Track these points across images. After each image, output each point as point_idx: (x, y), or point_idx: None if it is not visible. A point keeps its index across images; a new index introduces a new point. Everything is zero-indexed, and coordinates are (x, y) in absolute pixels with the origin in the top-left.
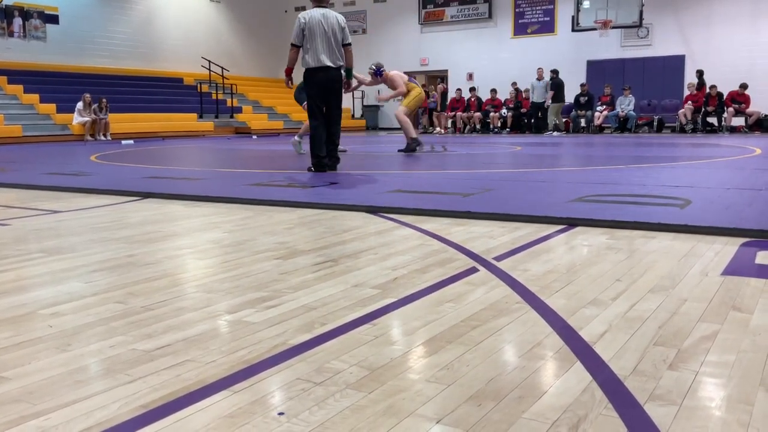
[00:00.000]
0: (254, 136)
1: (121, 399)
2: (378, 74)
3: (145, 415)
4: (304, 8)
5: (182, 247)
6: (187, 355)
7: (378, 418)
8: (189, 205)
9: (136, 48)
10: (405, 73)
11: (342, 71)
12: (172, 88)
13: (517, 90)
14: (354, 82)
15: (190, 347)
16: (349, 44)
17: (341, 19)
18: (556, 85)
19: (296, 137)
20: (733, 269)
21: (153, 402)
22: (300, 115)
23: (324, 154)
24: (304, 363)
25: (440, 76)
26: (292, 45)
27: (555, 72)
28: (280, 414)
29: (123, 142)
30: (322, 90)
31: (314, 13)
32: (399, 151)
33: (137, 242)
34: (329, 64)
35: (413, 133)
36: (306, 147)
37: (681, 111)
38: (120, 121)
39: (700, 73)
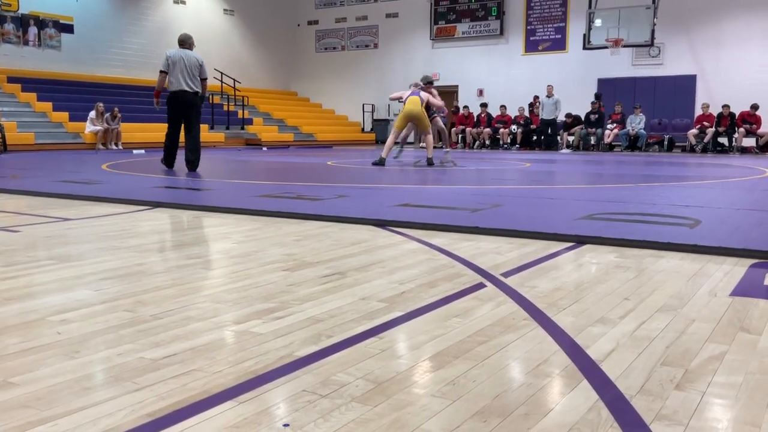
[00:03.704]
0: (264, 148)
1: (128, 407)
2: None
3: (151, 424)
4: (317, 22)
5: (191, 257)
6: (194, 365)
7: (383, 431)
8: (198, 216)
9: (149, 58)
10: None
11: (199, 97)
12: None
13: (525, 117)
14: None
15: (197, 357)
16: (205, 78)
17: (199, 58)
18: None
19: (395, 154)
20: (741, 290)
21: (159, 411)
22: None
23: (171, 156)
24: (310, 375)
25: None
26: (161, 72)
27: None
28: (285, 425)
29: (134, 151)
30: (180, 107)
31: (177, 51)
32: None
33: (146, 251)
34: (186, 88)
35: (384, 154)
36: (397, 154)
37: (691, 131)
38: (132, 131)
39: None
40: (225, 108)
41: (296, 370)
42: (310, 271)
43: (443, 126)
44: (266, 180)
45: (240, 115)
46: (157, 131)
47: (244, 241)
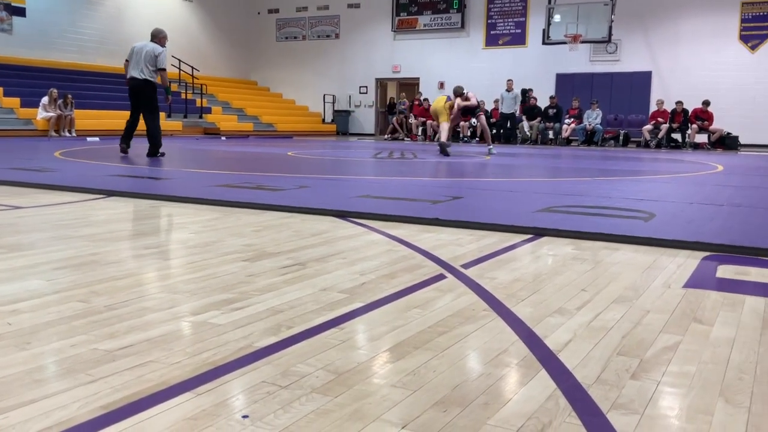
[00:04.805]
0: (223, 138)
1: (81, 399)
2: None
3: (106, 416)
4: (277, 10)
5: (147, 247)
6: (150, 356)
7: (343, 422)
8: (155, 205)
9: (104, 44)
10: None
11: (161, 87)
12: None
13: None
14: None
15: (154, 348)
16: (163, 69)
17: (157, 50)
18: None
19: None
20: (694, 282)
21: (114, 403)
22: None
23: (126, 142)
24: (269, 366)
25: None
26: (125, 60)
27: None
28: (244, 417)
29: (88, 138)
30: (131, 93)
31: (141, 43)
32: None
33: (101, 240)
34: (135, 76)
35: (443, 138)
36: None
37: (645, 127)
38: (86, 118)
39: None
40: (183, 96)
41: (256, 361)
42: (270, 262)
43: (485, 124)
44: (225, 170)
45: (198, 104)
46: (112, 118)
47: (203, 232)
